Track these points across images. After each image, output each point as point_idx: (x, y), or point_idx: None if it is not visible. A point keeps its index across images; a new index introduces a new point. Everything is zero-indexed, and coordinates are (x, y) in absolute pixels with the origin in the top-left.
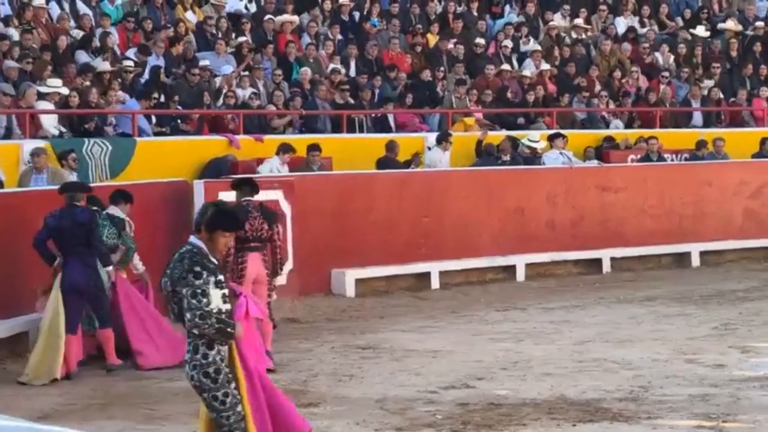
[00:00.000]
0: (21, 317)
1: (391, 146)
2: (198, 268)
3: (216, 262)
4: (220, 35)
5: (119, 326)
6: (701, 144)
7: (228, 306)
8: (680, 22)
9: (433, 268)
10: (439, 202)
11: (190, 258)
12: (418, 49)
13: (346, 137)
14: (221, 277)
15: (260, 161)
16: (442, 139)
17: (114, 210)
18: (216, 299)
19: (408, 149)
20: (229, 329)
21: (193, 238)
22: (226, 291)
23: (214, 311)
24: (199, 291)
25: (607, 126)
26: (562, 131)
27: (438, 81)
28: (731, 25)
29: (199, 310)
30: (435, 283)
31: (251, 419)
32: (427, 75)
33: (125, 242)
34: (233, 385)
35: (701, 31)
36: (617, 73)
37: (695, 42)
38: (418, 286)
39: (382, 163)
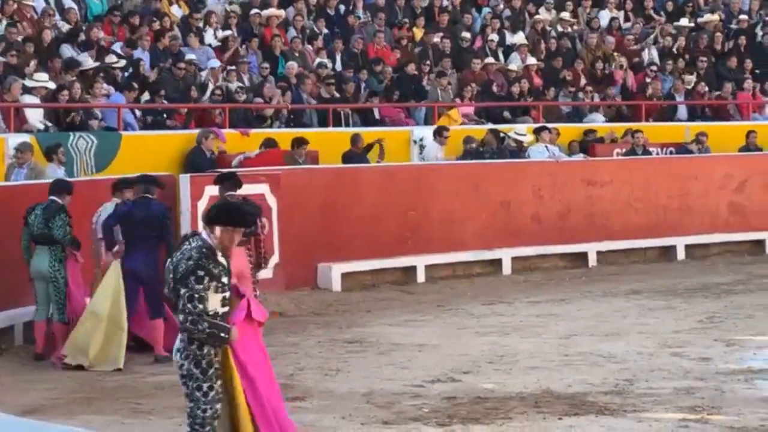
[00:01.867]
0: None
1: (354, 139)
2: (201, 273)
3: (224, 263)
4: (205, 29)
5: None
6: (697, 139)
7: (226, 309)
8: (664, 15)
9: (420, 261)
10: (426, 196)
11: (197, 259)
12: (404, 42)
13: (332, 131)
14: (225, 280)
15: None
16: (438, 134)
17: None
18: (214, 303)
19: (395, 143)
20: (222, 334)
21: (204, 234)
22: (227, 294)
23: (210, 314)
24: (196, 296)
25: (590, 118)
26: (549, 125)
27: (424, 75)
28: (714, 17)
29: (192, 315)
30: (421, 276)
31: (249, 420)
32: (412, 69)
33: None
34: (219, 382)
35: (685, 22)
36: (600, 65)
37: (679, 35)
38: (405, 280)
39: (346, 157)
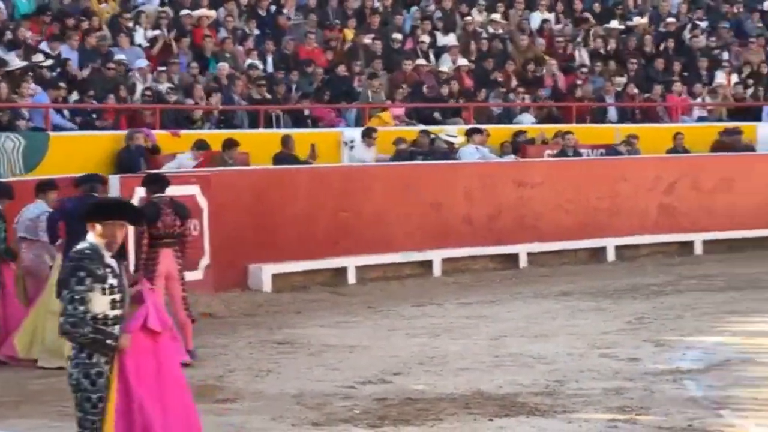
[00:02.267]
0: None
1: (285, 141)
2: (82, 273)
3: (112, 264)
4: (135, 28)
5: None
6: (627, 141)
7: (117, 312)
8: (594, 17)
9: (350, 263)
10: (357, 197)
11: (78, 260)
12: (335, 44)
13: (263, 132)
14: (114, 281)
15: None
16: (366, 135)
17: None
18: (102, 305)
19: (326, 144)
20: (108, 341)
21: (90, 236)
22: (117, 297)
23: (100, 317)
24: (77, 297)
25: (521, 120)
26: (480, 126)
27: (355, 76)
28: (643, 20)
29: (73, 317)
30: (352, 278)
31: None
32: (343, 70)
33: None
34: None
35: (615, 25)
36: (531, 66)
37: (609, 37)
38: (335, 281)
39: (277, 158)
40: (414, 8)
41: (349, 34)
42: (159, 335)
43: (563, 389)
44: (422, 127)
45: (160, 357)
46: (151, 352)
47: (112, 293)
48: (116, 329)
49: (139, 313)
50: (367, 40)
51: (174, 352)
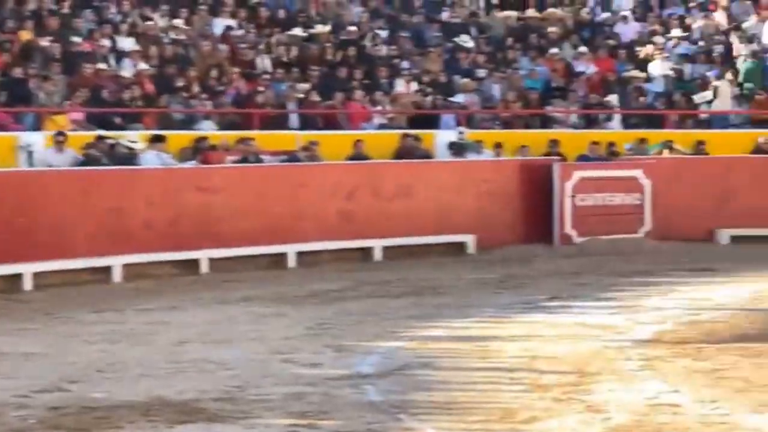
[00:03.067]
0: None
1: None
2: None
3: None
4: None
5: None
6: (306, 147)
7: None
8: (278, 25)
9: (27, 269)
10: (34, 203)
11: None
12: (10, 46)
13: None
14: None
15: None
16: (55, 140)
17: None
18: None
19: (1, 149)
20: None
21: None
22: None
23: None
24: None
25: (203, 126)
26: (161, 132)
27: (31, 79)
28: (325, 28)
29: None
30: (28, 284)
31: None
32: (19, 72)
33: None
34: None
35: (298, 32)
36: (213, 73)
37: (292, 44)
38: (11, 288)
39: None
40: (88, 11)
41: (26, 35)
42: None
43: (244, 395)
44: (102, 132)
45: None
46: None
47: None
48: None
49: None
50: (44, 42)
51: None
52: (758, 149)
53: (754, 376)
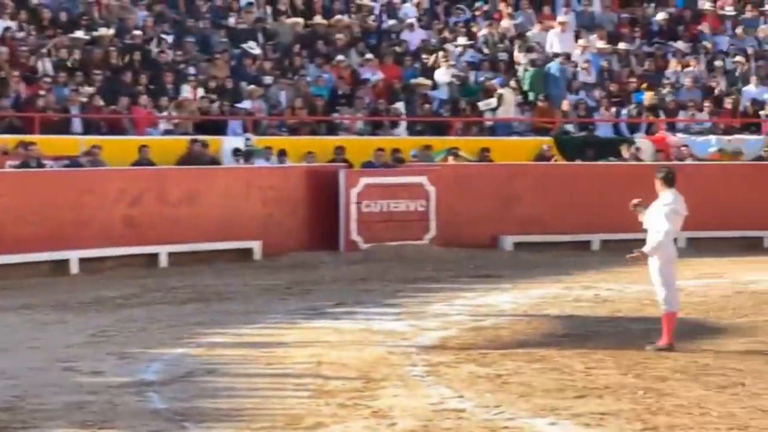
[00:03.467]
0: None
1: None
2: None
3: None
4: None
5: None
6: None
7: None
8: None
9: None
10: None
11: None
12: None
13: None
14: None
15: None
16: None
17: None
18: None
19: None
20: None
21: None
22: None
23: None
24: None
25: None
26: None
27: None
28: (109, 32)
29: None
30: None
31: None
32: None
33: None
34: None
35: (80, 35)
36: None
37: (75, 47)
38: None
39: None
40: None
41: None
42: None
43: (23, 404)
44: None
45: None
46: None
47: None
48: None
49: None
50: None
51: None
52: (541, 156)
53: (536, 381)
